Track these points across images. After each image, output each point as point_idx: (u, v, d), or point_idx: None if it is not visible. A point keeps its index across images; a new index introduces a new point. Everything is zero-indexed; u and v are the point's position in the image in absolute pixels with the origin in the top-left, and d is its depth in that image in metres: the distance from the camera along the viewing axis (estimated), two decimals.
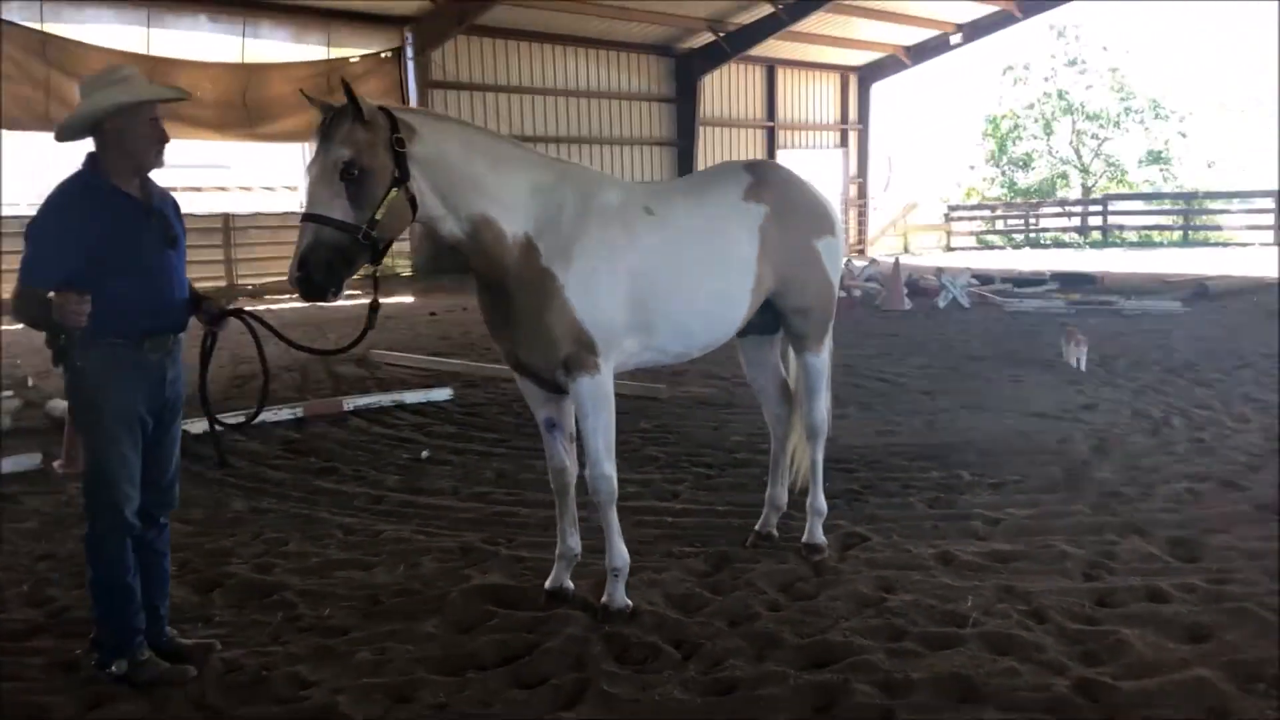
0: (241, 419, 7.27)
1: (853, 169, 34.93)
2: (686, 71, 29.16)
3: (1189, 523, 5.96)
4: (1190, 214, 37.02)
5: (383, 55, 23.20)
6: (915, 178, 40.67)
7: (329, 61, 22.41)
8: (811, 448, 5.61)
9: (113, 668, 4.19)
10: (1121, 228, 37.79)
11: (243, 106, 21.34)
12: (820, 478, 5.65)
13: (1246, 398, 9.52)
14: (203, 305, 4.29)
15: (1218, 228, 36.37)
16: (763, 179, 5.20)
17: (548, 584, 5.01)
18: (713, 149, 30.22)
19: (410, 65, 23.33)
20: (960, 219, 38.84)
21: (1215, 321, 15.17)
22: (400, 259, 25.00)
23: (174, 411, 4.32)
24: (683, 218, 4.89)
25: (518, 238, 4.45)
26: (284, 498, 6.87)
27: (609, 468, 4.71)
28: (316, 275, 4.04)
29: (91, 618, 4.28)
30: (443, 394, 10.07)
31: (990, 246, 36.40)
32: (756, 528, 5.78)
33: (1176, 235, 36.21)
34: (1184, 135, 41.40)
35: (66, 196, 4.08)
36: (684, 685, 4.10)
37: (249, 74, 21.43)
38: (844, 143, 34.95)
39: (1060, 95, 41.79)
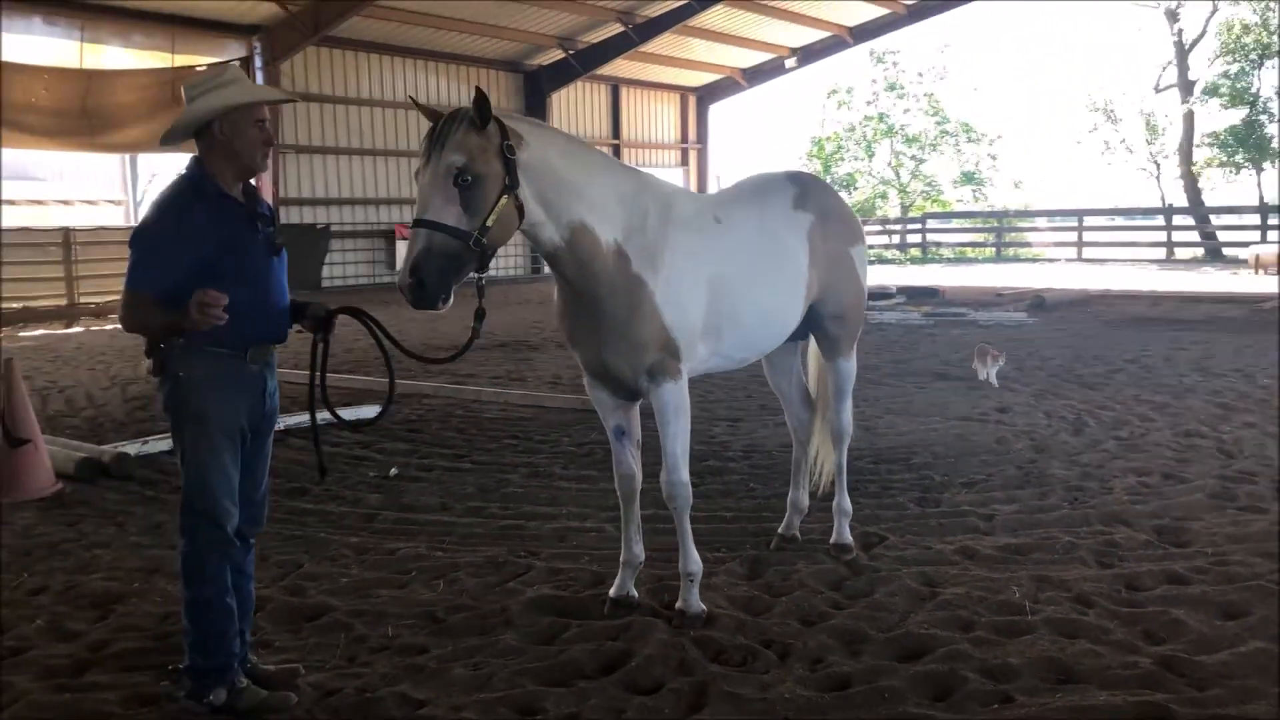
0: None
1: (693, 187, 35.67)
2: (536, 88, 29.26)
3: (1160, 512, 6.41)
4: (1002, 231, 39.47)
5: (230, 64, 22.33)
6: None
7: (174, 69, 21.45)
8: (838, 451, 5.79)
9: (210, 697, 3.96)
10: (939, 244, 40.00)
11: (82, 115, 20.18)
12: (845, 479, 5.84)
13: (1137, 399, 10.28)
14: (307, 311, 4.12)
15: (1027, 244, 38.90)
16: (806, 188, 5.37)
17: (613, 592, 5.00)
18: None
19: (259, 75, 22.55)
20: None
21: (1064, 330, 16.25)
22: None
23: (270, 424, 4.14)
24: (745, 226, 5.00)
25: (610, 245, 4.46)
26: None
27: (685, 474, 4.76)
28: (429, 282, 3.97)
29: (185, 644, 4.03)
30: (371, 411, 9.80)
31: None
32: (780, 530, 5.92)
33: (989, 251, 38.55)
34: (994, 157, 44.10)
35: (177, 200, 3.91)
36: (800, 683, 4.18)
37: (89, 80, 20.30)
38: (684, 161, 35.72)
39: (881, 118, 43.84)
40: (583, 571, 5.49)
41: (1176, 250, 35.39)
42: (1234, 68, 37.65)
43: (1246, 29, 36.74)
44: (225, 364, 3.92)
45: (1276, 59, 36.60)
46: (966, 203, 44.40)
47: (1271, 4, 35.41)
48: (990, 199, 44.26)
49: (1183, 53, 38.25)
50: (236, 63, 4.26)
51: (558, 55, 28.34)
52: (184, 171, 4.00)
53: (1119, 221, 39.21)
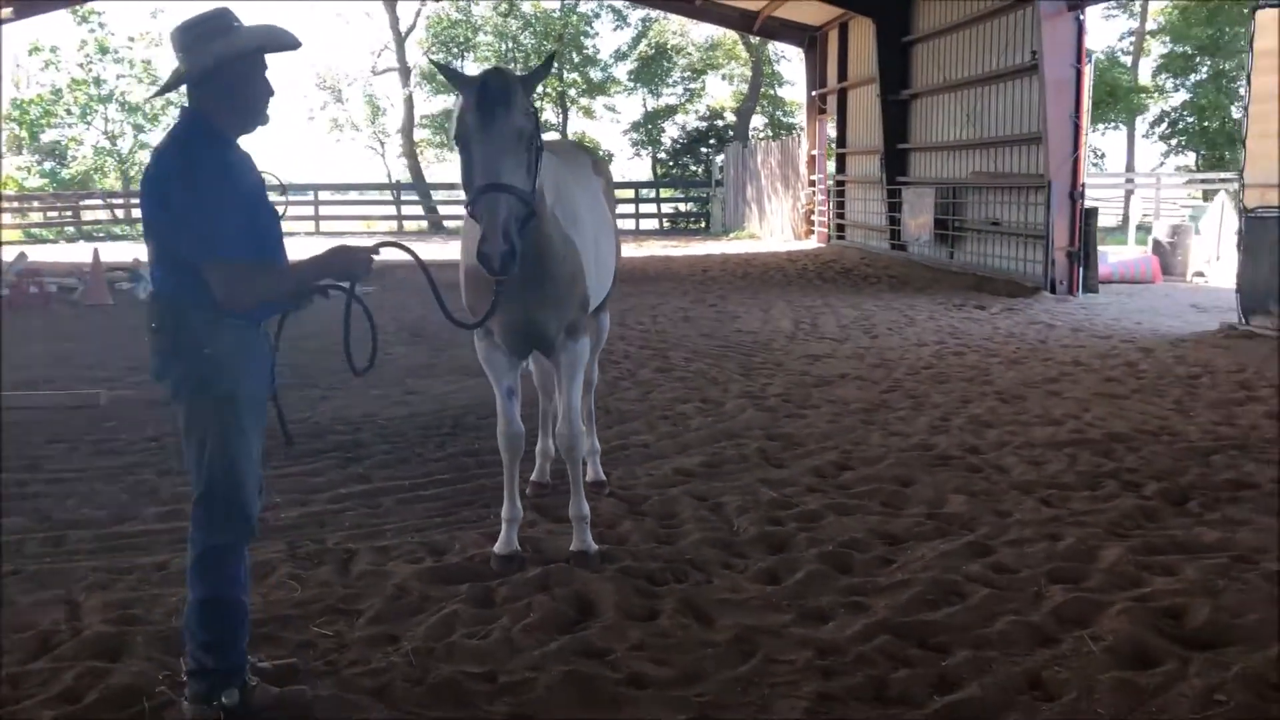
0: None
1: None
2: None
3: (751, 424, 7.89)
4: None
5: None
6: None
7: None
8: (588, 399, 6.31)
9: (223, 698, 3.58)
10: None
11: None
12: (594, 423, 6.40)
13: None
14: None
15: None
16: (594, 157, 5.83)
17: (500, 549, 5.05)
18: None
19: None
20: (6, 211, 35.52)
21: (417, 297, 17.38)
22: None
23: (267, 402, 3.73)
24: (588, 191, 5.35)
25: (550, 208, 4.61)
26: None
27: (582, 424, 5.06)
28: (516, 246, 3.98)
29: (189, 646, 3.64)
30: None
31: (41, 240, 34.14)
32: (533, 478, 6.27)
33: None
34: None
35: (203, 153, 3.41)
36: (748, 581, 4.83)
37: None
38: None
39: (96, 83, 40.46)
40: (409, 545, 5.36)
41: (406, 223, 38.54)
42: (439, 56, 41.74)
43: (453, 23, 41.03)
44: (246, 336, 3.56)
45: (473, 53, 41.56)
46: None
47: (473, 3, 40.05)
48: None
49: (400, 40, 41.41)
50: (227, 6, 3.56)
51: None
52: (183, 124, 3.49)
53: (352, 196, 41.20)
